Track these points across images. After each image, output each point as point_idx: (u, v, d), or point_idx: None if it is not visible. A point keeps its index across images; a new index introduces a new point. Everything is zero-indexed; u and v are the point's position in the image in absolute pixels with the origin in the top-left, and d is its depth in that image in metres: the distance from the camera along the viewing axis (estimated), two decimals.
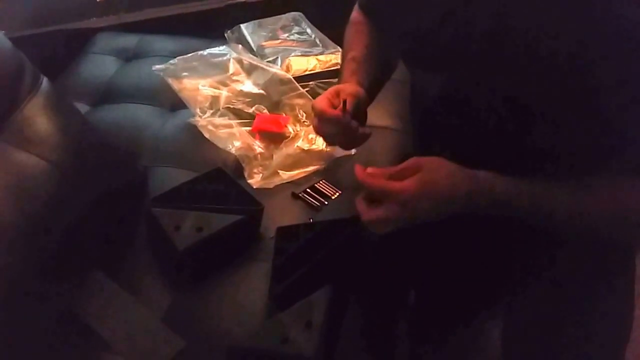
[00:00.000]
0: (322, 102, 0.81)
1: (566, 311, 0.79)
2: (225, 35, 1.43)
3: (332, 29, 1.40)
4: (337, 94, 0.84)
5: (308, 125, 1.18)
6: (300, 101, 1.20)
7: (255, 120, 1.17)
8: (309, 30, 1.41)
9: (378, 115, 1.19)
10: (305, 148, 1.12)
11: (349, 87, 0.84)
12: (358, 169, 0.68)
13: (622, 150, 0.67)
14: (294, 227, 0.94)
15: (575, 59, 0.65)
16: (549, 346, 0.79)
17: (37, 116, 0.88)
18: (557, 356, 0.79)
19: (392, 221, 0.66)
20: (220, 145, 1.11)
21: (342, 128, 0.80)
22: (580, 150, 0.69)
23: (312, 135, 1.15)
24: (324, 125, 0.81)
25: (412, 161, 0.67)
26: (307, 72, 1.26)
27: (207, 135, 1.13)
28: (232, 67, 1.26)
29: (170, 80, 1.23)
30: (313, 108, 0.82)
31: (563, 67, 0.66)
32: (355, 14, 1.01)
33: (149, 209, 0.93)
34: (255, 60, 1.27)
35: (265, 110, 1.19)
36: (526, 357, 0.83)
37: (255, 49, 1.35)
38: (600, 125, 0.67)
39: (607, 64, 0.63)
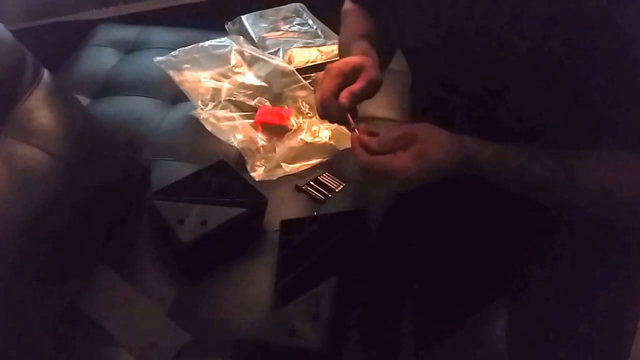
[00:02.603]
0: (330, 85, 0.77)
1: (571, 304, 0.79)
2: (226, 26, 1.42)
3: (333, 19, 1.39)
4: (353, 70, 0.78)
5: (311, 117, 1.17)
6: (302, 93, 1.20)
7: (257, 113, 1.16)
8: (310, 22, 1.40)
9: (379, 107, 1.19)
10: (309, 141, 1.11)
11: (368, 68, 0.78)
12: (359, 152, 0.69)
13: (611, 125, 0.67)
14: (298, 220, 0.93)
15: (566, 46, 0.65)
16: (554, 339, 0.79)
17: (39, 109, 0.88)
18: (562, 349, 0.80)
19: (395, 189, 0.72)
20: (223, 138, 1.11)
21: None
22: (570, 129, 0.69)
23: (316, 128, 1.14)
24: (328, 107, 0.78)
25: (406, 130, 0.70)
26: (309, 64, 1.25)
27: (209, 128, 1.12)
28: (234, 58, 1.25)
29: (171, 72, 1.22)
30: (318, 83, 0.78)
31: (555, 55, 0.66)
32: (349, 6, 1.00)
33: (152, 202, 0.93)
34: (256, 52, 1.26)
35: (268, 103, 1.18)
36: (531, 351, 0.83)
37: (256, 41, 1.34)
38: (591, 104, 0.67)
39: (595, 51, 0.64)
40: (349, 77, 0.78)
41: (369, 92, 0.78)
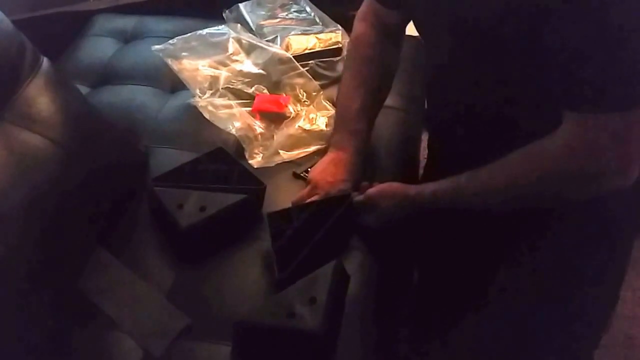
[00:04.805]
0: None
1: (548, 296, 0.84)
2: (224, 14, 1.41)
3: (331, 6, 1.39)
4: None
5: (308, 105, 1.17)
6: (300, 80, 1.20)
7: (255, 101, 1.16)
8: (308, 9, 1.40)
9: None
10: (306, 128, 1.12)
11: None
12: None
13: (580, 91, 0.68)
14: (285, 211, 0.92)
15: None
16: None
17: (39, 96, 0.88)
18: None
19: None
20: (221, 126, 1.11)
21: None
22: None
23: (313, 115, 1.15)
24: None
25: (370, 195, 0.91)
26: (306, 51, 1.25)
27: (207, 116, 1.12)
28: (232, 46, 1.25)
29: (169, 61, 1.22)
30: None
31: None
32: (359, 25, 1.00)
33: (151, 188, 0.94)
34: (254, 40, 1.26)
35: (265, 90, 1.19)
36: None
37: (254, 28, 1.34)
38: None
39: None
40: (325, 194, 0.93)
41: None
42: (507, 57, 0.72)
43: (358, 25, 1.01)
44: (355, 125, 0.96)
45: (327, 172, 0.94)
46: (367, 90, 0.97)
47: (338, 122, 1.00)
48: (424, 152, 1.20)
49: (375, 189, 0.91)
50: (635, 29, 0.63)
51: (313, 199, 0.92)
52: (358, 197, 0.91)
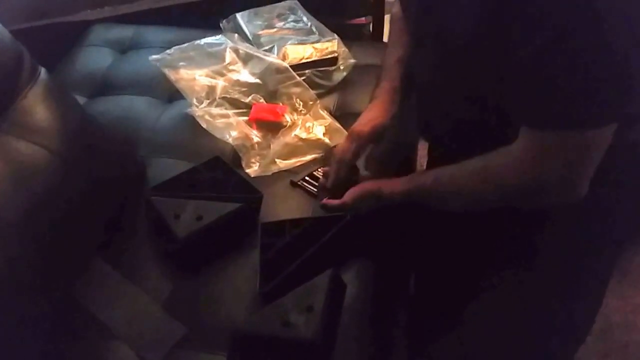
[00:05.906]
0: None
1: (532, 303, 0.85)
2: (221, 24, 1.42)
3: (328, 16, 1.40)
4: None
5: (305, 114, 1.18)
6: (297, 90, 1.20)
7: (252, 110, 1.17)
8: (305, 19, 1.41)
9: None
10: (303, 137, 1.12)
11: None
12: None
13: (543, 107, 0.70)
14: (279, 223, 0.92)
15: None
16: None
17: (37, 106, 0.89)
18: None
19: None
20: (218, 135, 1.11)
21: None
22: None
23: (310, 124, 1.15)
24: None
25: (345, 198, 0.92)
26: (303, 61, 1.26)
27: (204, 126, 1.13)
28: (229, 56, 1.26)
29: (166, 71, 1.23)
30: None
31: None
32: (396, 10, 1.03)
33: (148, 197, 0.94)
34: (251, 50, 1.27)
35: (262, 100, 1.19)
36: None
37: (251, 38, 1.34)
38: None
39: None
40: (366, 139, 0.94)
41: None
42: (481, 71, 0.74)
43: (394, 9, 1.06)
44: (391, 71, 0.98)
45: (361, 117, 0.97)
46: (401, 47, 0.99)
47: (378, 79, 1.02)
48: (422, 160, 1.21)
49: (348, 194, 0.91)
50: (592, 51, 0.64)
51: (350, 141, 0.93)
52: (333, 203, 0.91)
